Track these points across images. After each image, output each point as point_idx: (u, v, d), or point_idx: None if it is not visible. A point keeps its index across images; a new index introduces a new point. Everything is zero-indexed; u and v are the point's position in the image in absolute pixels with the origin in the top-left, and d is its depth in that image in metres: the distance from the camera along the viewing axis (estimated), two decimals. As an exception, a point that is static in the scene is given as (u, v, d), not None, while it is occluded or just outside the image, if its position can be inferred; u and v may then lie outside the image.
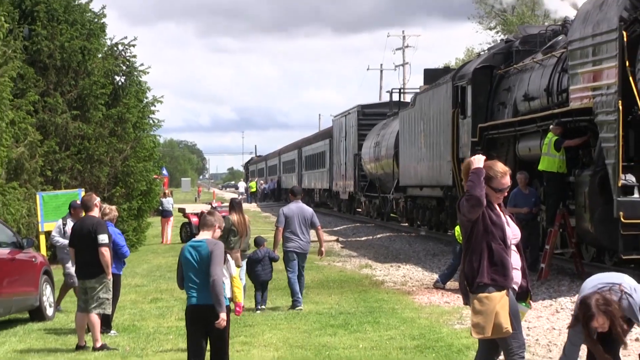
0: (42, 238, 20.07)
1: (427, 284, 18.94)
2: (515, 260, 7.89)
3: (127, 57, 28.89)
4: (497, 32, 55.75)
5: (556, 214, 17.59)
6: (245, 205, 64.33)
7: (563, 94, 18.46)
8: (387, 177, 37.72)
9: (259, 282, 15.61)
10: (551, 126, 17.81)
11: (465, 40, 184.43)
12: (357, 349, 11.67)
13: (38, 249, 19.33)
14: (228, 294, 9.16)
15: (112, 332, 13.30)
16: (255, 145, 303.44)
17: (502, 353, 8.01)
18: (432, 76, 30.69)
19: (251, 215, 51.64)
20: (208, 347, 9.08)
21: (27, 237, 16.92)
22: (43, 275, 15.38)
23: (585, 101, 16.63)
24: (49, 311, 15.43)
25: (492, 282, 7.70)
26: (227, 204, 17.65)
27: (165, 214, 34.99)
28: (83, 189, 22.09)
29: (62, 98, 26.92)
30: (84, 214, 13.18)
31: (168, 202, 35.16)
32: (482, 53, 27.01)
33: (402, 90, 47.39)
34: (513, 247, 7.92)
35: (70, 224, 14.97)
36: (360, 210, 47.54)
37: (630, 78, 15.35)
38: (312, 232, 16.10)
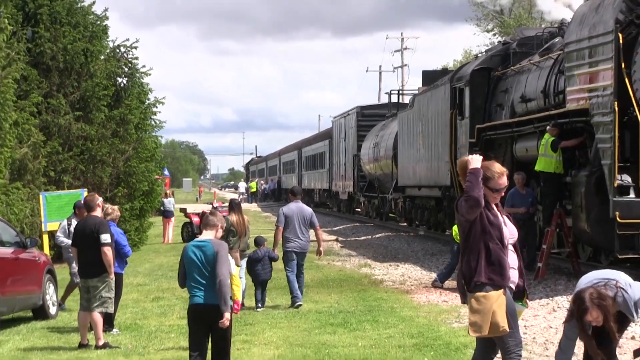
0: (45, 238, 20.13)
1: (425, 283, 18.98)
2: (512, 259, 7.93)
3: (129, 59, 28.85)
4: (495, 35, 55.75)
5: (553, 214, 17.64)
6: (245, 205, 64.16)
7: (560, 96, 18.50)
8: (386, 178, 37.76)
9: (259, 281, 15.70)
10: (548, 127, 17.85)
11: (463, 43, 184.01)
12: (356, 347, 11.71)
13: (41, 248, 19.34)
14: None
15: (114, 330, 13.33)
16: (256, 146, 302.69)
17: (499, 351, 8.03)
18: (430, 78, 30.70)
19: (252, 215, 51.74)
20: (209, 345, 9.12)
21: (30, 237, 16.96)
22: (46, 274, 15.43)
23: (582, 102, 16.67)
24: (52, 310, 15.48)
25: (490, 281, 7.74)
26: (227, 204, 17.76)
27: (166, 214, 35.08)
28: (86, 189, 22.10)
29: (65, 99, 26.95)
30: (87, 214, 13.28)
31: (169, 202, 35.23)
32: (480, 55, 27.01)
33: (400, 92, 47.42)
34: (510, 247, 7.98)
35: (75, 224, 15.02)
36: (359, 210, 47.53)
37: (626, 80, 15.40)
38: (312, 232, 16.20)
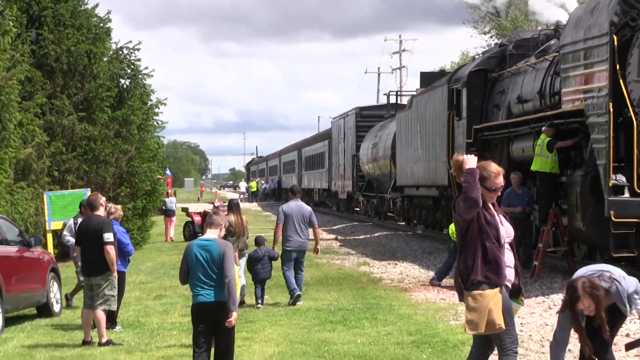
0: (50, 236, 20.27)
1: (423, 281, 19.06)
2: (508, 258, 7.99)
3: (132, 61, 28.83)
4: (492, 37, 55.82)
5: (549, 213, 17.71)
6: (246, 205, 64.19)
7: (555, 97, 18.58)
8: (385, 177, 37.79)
9: (259, 279, 15.81)
10: (544, 128, 17.93)
11: (460, 45, 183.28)
12: (355, 345, 11.78)
13: (45, 247, 19.47)
14: None
15: (117, 327, 13.40)
16: (257, 146, 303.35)
17: (496, 348, 8.10)
18: (428, 79, 30.72)
19: (252, 214, 51.82)
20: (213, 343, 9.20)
21: (34, 236, 16.97)
22: (50, 272, 15.53)
23: (577, 103, 16.74)
24: (56, 307, 15.57)
25: (486, 279, 7.79)
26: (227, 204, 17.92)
27: (168, 213, 35.19)
28: (89, 189, 22.28)
29: (68, 100, 26.97)
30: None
31: (171, 202, 35.27)
32: (477, 57, 27.07)
33: (399, 93, 47.36)
34: (506, 246, 8.02)
35: (80, 222, 15.20)
36: (358, 209, 47.53)
37: (621, 81, 15.45)
38: (310, 230, 16.31)
